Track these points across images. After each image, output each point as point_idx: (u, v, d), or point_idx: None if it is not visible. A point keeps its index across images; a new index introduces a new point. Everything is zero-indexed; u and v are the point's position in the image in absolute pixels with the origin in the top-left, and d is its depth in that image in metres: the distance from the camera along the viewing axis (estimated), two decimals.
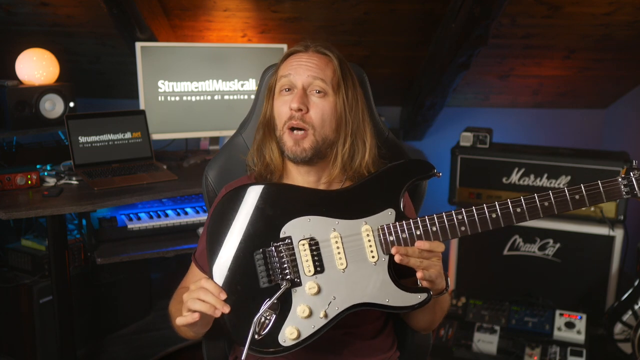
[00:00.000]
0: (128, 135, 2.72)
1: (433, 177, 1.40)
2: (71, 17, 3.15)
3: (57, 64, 2.90)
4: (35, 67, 2.82)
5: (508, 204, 1.30)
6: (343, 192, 1.38)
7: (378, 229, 1.31)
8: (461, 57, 3.09)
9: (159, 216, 2.54)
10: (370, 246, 1.31)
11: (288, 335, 1.27)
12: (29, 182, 2.41)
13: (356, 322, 1.47)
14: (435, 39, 3.20)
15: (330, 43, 1.48)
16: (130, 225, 2.46)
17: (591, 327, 2.90)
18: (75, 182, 2.49)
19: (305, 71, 1.41)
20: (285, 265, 1.30)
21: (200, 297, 1.27)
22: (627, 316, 2.75)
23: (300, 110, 1.39)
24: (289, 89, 1.43)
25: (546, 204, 1.30)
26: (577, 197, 1.30)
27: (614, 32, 3.11)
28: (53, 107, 2.81)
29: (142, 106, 2.81)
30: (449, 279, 1.34)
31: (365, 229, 1.31)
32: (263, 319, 1.27)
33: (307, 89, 1.41)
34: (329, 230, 1.32)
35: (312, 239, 1.32)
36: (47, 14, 3.11)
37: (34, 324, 2.60)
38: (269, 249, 1.32)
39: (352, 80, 1.47)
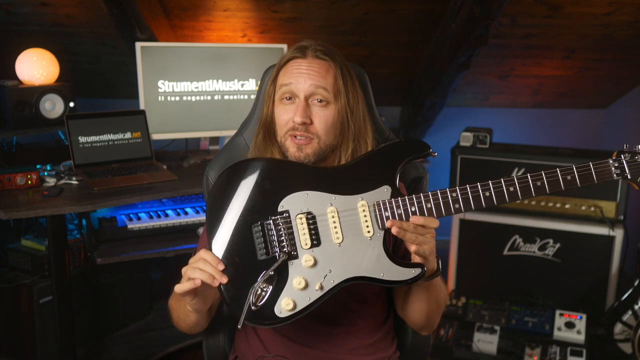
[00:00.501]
0: (128, 135, 2.72)
1: (432, 178, 1.40)
2: (71, 17, 3.15)
3: (57, 64, 2.90)
4: (35, 67, 2.82)
5: (501, 183, 1.32)
6: (341, 169, 1.40)
7: (374, 205, 1.33)
8: (461, 57, 3.09)
9: (159, 216, 2.54)
10: (366, 221, 1.32)
11: (284, 306, 1.28)
12: (29, 182, 2.41)
13: (356, 322, 1.48)
14: (435, 39, 3.20)
15: (329, 44, 1.48)
16: (130, 225, 2.46)
17: (591, 327, 2.90)
18: (75, 182, 2.49)
19: (306, 80, 1.41)
20: (283, 238, 1.32)
21: (200, 267, 1.29)
22: (627, 316, 2.75)
23: (304, 123, 1.39)
24: (289, 98, 1.42)
25: (538, 183, 1.32)
26: (568, 177, 1.32)
27: (614, 32, 3.11)
28: (53, 107, 2.81)
29: (142, 106, 2.81)
30: (440, 261, 1.35)
31: (362, 205, 1.33)
32: (260, 290, 1.29)
33: (308, 98, 1.41)
34: (326, 205, 1.34)
35: (309, 212, 1.33)
36: (47, 14, 3.11)
37: (34, 324, 2.60)
38: (267, 222, 1.33)
39: (352, 83, 1.46)
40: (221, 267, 1.29)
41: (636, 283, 2.77)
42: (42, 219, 2.64)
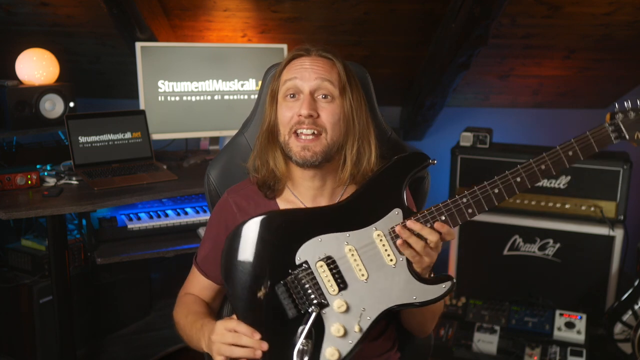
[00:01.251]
0: (128, 135, 2.72)
1: (432, 178, 1.39)
2: (71, 17, 3.15)
3: (57, 64, 2.90)
4: (35, 67, 2.82)
5: (508, 176, 1.30)
6: (345, 203, 1.37)
7: (389, 232, 1.31)
8: (461, 57, 3.09)
9: (159, 216, 2.54)
10: (386, 250, 1.30)
11: (329, 357, 1.27)
12: (29, 182, 2.41)
13: None
14: (435, 39, 3.20)
15: (328, 44, 1.47)
16: (130, 225, 2.45)
17: (591, 327, 2.90)
18: (75, 182, 2.49)
19: (311, 74, 1.39)
20: (310, 291, 1.29)
21: (236, 342, 1.27)
22: (627, 316, 2.75)
23: (310, 116, 1.37)
24: (293, 95, 1.40)
25: (543, 167, 1.30)
26: (570, 153, 1.31)
27: (614, 32, 3.11)
28: (53, 107, 2.81)
29: (142, 106, 2.80)
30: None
31: (377, 235, 1.31)
32: (302, 348, 1.27)
33: (314, 93, 1.39)
34: (343, 245, 1.31)
35: (328, 257, 1.31)
36: (47, 14, 3.11)
37: (34, 324, 2.60)
38: (289, 278, 1.31)
39: (355, 83, 1.46)
40: (257, 336, 1.27)
41: (636, 283, 2.77)
42: (42, 219, 2.64)
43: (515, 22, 3.05)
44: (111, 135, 2.68)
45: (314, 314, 1.27)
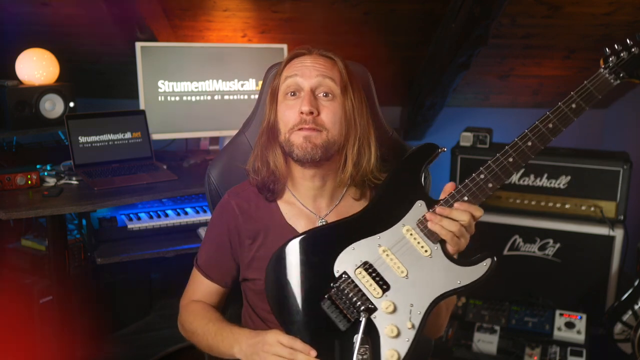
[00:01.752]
0: (128, 135, 2.72)
1: (432, 178, 1.39)
2: (71, 17, 3.14)
3: (57, 64, 2.90)
4: (35, 67, 2.82)
5: (518, 143, 1.31)
6: (369, 207, 1.39)
7: (417, 224, 1.33)
8: (461, 57, 3.09)
9: (159, 216, 2.54)
10: (419, 242, 1.32)
11: (390, 358, 1.28)
12: (29, 182, 2.41)
13: None
14: (435, 39, 3.20)
15: (329, 44, 1.47)
16: (130, 225, 2.45)
17: (591, 327, 2.89)
18: (75, 182, 2.49)
19: (311, 72, 1.38)
20: (355, 299, 1.31)
21: (292, 359, 1.28)
22: (627, 316, 2.75)
23: (311, 113, 1.36)
24: (294, 93, 1.39)
25: (551, 125, 1.31)
26: (573, 105, 1.32)
27: (614, 32, 3.11)
28: (53, 107, 2.81)
29: (142, 106, 2.80)
30: None
31: (407, 230, 1.33)
32: (361, 357, 1.28)
33: (314, 91, 1.38)
34: (375, 248, 1.33)
35: (364, 263, 1.33)
36: (47, 14, 3.11)
37: (34, 324, 2.59)
38: (332, 291, 1.32)
39: (357, 83, 1.45)
40: (314, 353, 1.28)
41: (636, 283, 2.77)
42: (42, 219, 2.64)
43: (515, 22, 3.05)
44: (111, 135, 2.68)
45: (364, 320, 1.28)
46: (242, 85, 2.99)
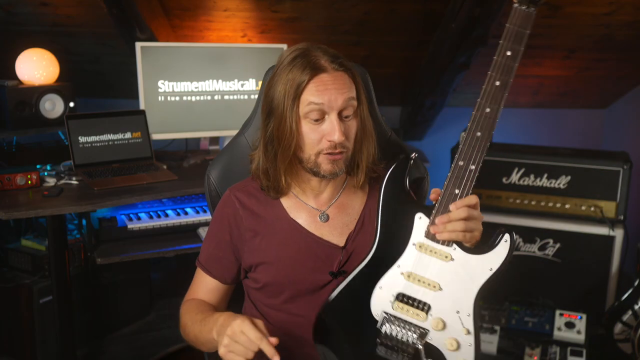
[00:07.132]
0: (128, 135, 2.72)
1: (431, 178, 1.39)
2: (71, 17, 3.14)
3: (57, 64, 2.90)
4: (35, 67, 2.82)
5: (476, 114, 1.39)
6: (377, 246, 1.38)
7: (426, 236, 1.32)
8: (461, 57, 3.09)
9: (159, 216, 2.54)
10: (436, 252, 1.31)
11: None
12: (29, 182, 2.41)
13: None
14: (435, 39, 3.20)
15: (328, 44, 1.45)
16: (130, 225, 2.46)
17: (591, 327, 2.89)
18: (75, 182, 2.49)
19: (337, 98, 1.34)
20: (404, 332, 1.31)
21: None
22: (627, 316, 2.75)
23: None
24: (317, 120, 1.35)
25: (498, 83, 1.37)
26: (508, 53, 1.41)
27: (614, 32, 3.11)
28: (53, 107, 2.81)
29: (142, 106, 2.81)
30: None
31: (418, 245, 1.32)
32: None
33: (340, 114, 1.36)
34: (399, 276, 1.33)
35: (397, 296, 1.33)
36: (47, 14, 3.11)
37: (34, 324, 2.60)
38: (381, 336, 1.33)
39: (362, 86, 1.44)
40: (277, 359, 1.20)
41: (636, 283, 2.77)
42: (42, 219, 2.64)
43: None
44: (111, 135, 2.68)
45: (423, 348, 1.29)
46: (242, 85, 2.99)
